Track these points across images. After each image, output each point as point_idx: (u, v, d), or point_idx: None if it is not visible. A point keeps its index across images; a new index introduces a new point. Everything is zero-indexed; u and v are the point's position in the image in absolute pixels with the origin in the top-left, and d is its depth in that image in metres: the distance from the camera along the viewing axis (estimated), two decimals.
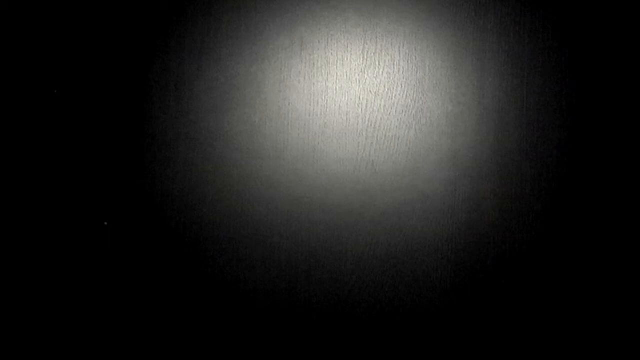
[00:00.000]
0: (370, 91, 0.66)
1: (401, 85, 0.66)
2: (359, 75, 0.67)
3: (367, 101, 0.66)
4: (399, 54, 0.67)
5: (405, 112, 0.66)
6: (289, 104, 0.66)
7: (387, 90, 0.66)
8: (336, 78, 0.66)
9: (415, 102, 0.66)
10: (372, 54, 0.67)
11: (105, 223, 0.65)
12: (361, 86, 0.66)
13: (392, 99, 0.66)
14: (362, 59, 0.67)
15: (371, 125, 0.65)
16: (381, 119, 0.66)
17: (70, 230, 0.65)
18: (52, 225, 0.65)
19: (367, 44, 0.67)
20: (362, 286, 0.64)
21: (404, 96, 0.66)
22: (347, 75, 0.66)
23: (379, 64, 0.67)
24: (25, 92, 0.66)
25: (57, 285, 0.65)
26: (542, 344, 0.64)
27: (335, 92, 0.66)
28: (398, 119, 0.66)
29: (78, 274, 0.65)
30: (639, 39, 0.66)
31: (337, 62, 0.67)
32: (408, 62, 0.67)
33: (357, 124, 0.65)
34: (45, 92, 0.66)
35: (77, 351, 0.65)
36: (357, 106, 0.66)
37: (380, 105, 0.66)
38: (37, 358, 0.65)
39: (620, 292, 0.64)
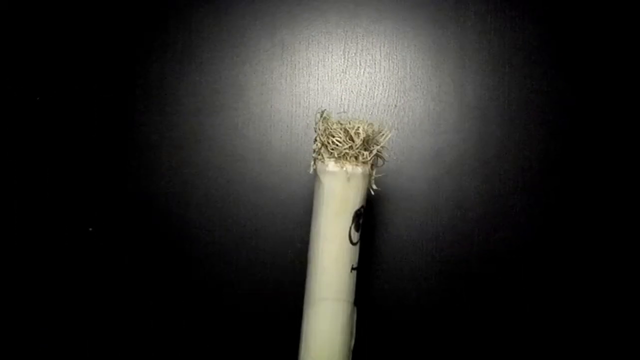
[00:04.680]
0: (352, 91, 0.66)
1: (382, 84, 0.66)
2: (340, 75, 0.67)
3: (348, 101, 0.66)
4: (380, 53, 0.67)
5: (387, 111, 0.66)
6: (271, 106, 0.66)
7: (368, 90, 0.66)
8: (318, 79, 0.67)
9: (396, 101, 0.66)
10: (353, 54, 0.67)
11: (90, 229, 0.65)
12: (343, 86, 0.66)
13: (373, 98, 0.66)
14: (343, 60, 0.67)
15: None
16: (363, 118, 0.66)
17: (54, 236, 0.65)
18: (36, 231, 0.65)
19: (347, 45, 0.67)
20: None
21: (386, 95, 0.66)
22: (328, 76, 0.67)
23: (360, 64, 0.67)
24: (6, 99, 0.66)
25: (42, 290, 0.65)
26: (528, 342, 0.64)
27: (317, 92, 0.66)
28: (380, 119, 0.66)
29: (62, 279, 0.65)
30: (622, 34, 0.66)
31: (318, 63, 0.67)
32: (389, 61, 0.67)
33: None
34: (28, 98, 0.66)
35: (63, 355, 0.65)
36: (339, 106, 0.66)
37: (362, 104, 0.66)
38: None
39: (608, 289, 0.64)
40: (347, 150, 0.48)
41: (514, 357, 0.64)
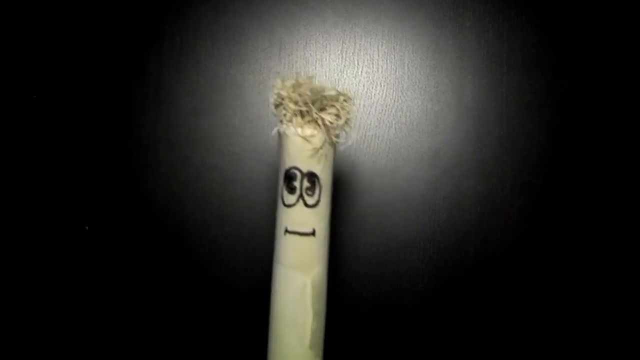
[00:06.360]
0: (350, 91, 0.66)
1: (380, 84, 0.66)
2: (337, 75, 0.67)
3: None
4: (378, 53, 0.67)
5: (385, 111, 0.66)
6: (268, 106, 0.66)
7: (366, 89, 0.66)
8: (315, 78, 0.66)
9: (394, 101, 0.66)
10: (351, 54, 0.67)
11: (87, 227, 0.65)
12: (340, 86, 0.66)
13: (371, 98, 0.66)
14: (340, 59, 0.67)
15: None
16: (360, 118, 0.66)
17: (51, 235, 0.65)
18: (33, 230, 0.65)
19: (345, 44, 0.67)
20: (344, 286, 0.64)
21: (383, 95, 0.66)
22: (326, 76, 0.67)
23: (358, 64, 0.67)
24: (4, 98, 0.66)
25: (38, 289, 0.65)
26: (526, 342, 0.64)
27: None
28: (377, 119, 0.66)
29: (59, 278, 0.65)
30: (621, 35, 0.66)
31: (315, 62, 0.67)
32: (387, 61, 0.67)
33: None
34: (25, 97, 0.66)
35: (62, 355, 0.65)
36: None
37: (359, 104, 0.66)
38: None
39: (608, 289, 0.64)
40: (284, 111, 0.47)
41: (512, 357, 0.64)
